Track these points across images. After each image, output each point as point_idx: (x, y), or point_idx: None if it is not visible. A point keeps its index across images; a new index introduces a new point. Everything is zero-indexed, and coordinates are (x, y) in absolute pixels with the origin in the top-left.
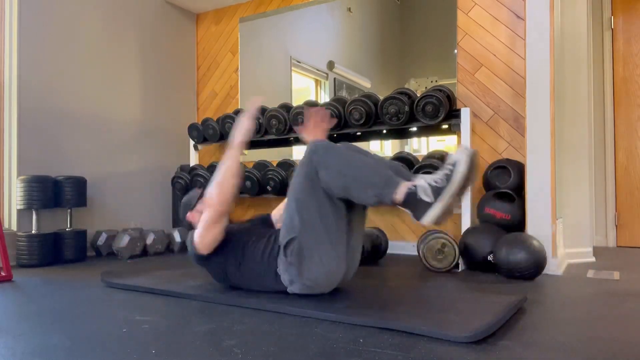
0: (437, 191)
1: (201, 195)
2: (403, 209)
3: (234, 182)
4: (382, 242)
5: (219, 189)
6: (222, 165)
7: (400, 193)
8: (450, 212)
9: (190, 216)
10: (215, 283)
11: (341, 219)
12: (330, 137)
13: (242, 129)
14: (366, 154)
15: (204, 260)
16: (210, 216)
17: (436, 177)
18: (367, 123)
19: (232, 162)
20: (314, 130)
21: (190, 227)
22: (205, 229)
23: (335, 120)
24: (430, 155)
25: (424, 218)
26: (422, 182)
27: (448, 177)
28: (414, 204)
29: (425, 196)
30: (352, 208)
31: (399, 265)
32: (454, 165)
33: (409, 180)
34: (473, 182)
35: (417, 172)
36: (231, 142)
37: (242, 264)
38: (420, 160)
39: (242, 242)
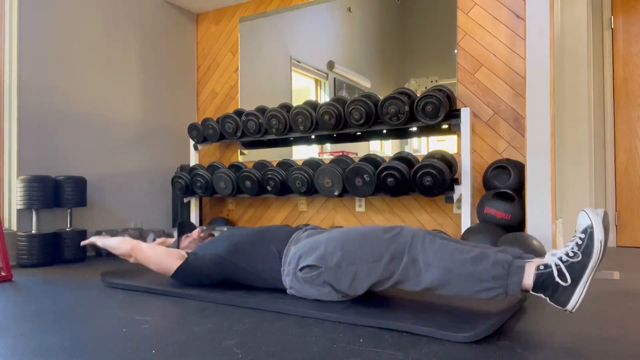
0: (573, 268)
1: (179, 239)
2: (535, 294)
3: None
4: None
5: (147, 259)
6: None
7: (528, 278)
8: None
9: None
10: (216, 283)
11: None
12: (330, 137)
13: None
14: (463, 242)
15: (178, 275)
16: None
17: (568, 251)
18: (367, 123)
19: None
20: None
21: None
22: (151, 263)
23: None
24: (430, 155)
25: (569, 304)
26: (554, 260)
27: (585, 250)
28: (549, 288)
29: (561, 278)
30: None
31: None
32: (586, 233)
33: (533, 259)
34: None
35: (416, 172)
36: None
37: (241, 259)
38: (420, 160)
39: (236, 241)
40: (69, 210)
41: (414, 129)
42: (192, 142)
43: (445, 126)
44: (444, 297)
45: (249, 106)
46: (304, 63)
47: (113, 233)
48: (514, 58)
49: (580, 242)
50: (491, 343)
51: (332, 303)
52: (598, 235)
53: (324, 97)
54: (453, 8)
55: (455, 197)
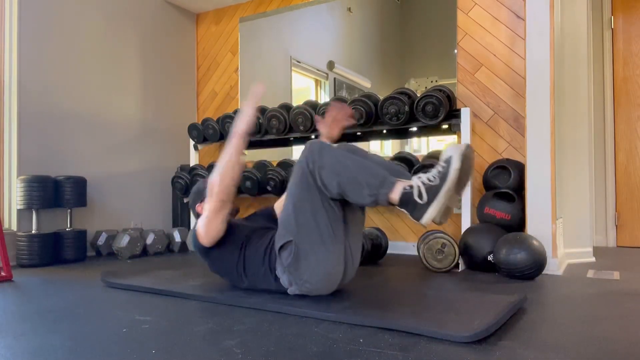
0: (431, 190)
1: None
2: (400, 209)
3: (235, 171)
4: (382, 242)
5: (220, 178)
6: (224, 155)
7: (395, 193)
8: (449, 211)
9: (199, 207)
10: (215, 283)
11: (336, 221)
12: None
13: (244, 118)
14: (364, 154)
15: (204, 252)
16: (212, 205)
17: (430, 176)
18: (367, 123)
19: (234, 151)
20: (331, 125)
21: (197, 215)
22: (208, 218)
23: (354, 121)
24: (431, 155)
25: (422, 219)
26: (417, 182)
27: (442, 175)
28: (411, 205)
29: (419, 197)
30: (348, 209)
31: (399, 265)
32: (447, 162)
33: (406, 180)
34: (469, 178)
35: (417, 172)
36: (233, 132)
37: (243, 265)
38: (420, 160)
39: (242, 242)
40: (69, 210)
41: (414, 129)
42: (192, 142)
43: (445, 126)
44: (444, 297)
45: None
46: (304, 63)
47: (113, 233)
48: (514, 58)
49: (441, 169)
50: (491, 343)
51: (332, 303)
52: (454, 165)
53: (324, 97)
54: (453, 8)
55: None
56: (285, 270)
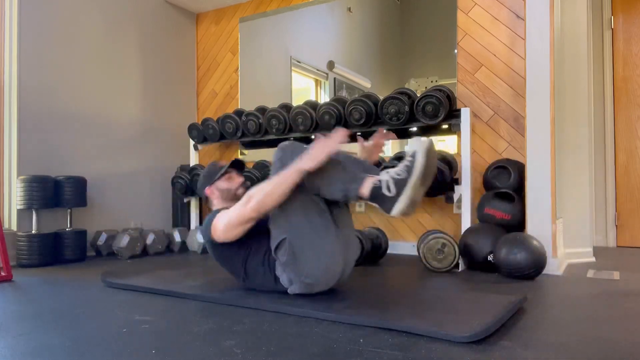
0: (399, 184)
1: (225, 172)
2: (372, 203)
3: (279, 199)
4: (382, 242)
5: (263, 197)
6: (278, 178)
7: (365, 188)
8: (416, 203)
9: (208, 190)
10: (215, 283)
11: (324, 214)
12: None
13: (317, 158)
14: (337, 153)
15: (213, 245)
16: (239, 215)
17: (398, 170)
18: (367, 123)
19: (289, 181)
20: (373, 150)
21: (206, 199)
22: (231, 223)
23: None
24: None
25: (392, 210)
26: (386, 176)
27: (408, 169)
28: (380, 198)
29: (388, 190)
30: (332, 204)
31: (399, 265)
32: (412, 156)
33: (376, 175)
34: (434, 171)
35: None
36: (299, 163)
37: (245, 265)
38: None
39: (249, 245)
40: (69, 210)
41: (414, 129)
42: (192, 142)
43: (445, 126)
44: (444, 297)
45: (249, 106)
46: (304, 63)
47: (113, 233)
48: (514, 58)
49: (408, 163)
50: (491, 343)
51: (332, 303)
52: (419, 159)
53: (324, 97)
54: (453, 8)
55: (455, 197)
56: (285, 269)
